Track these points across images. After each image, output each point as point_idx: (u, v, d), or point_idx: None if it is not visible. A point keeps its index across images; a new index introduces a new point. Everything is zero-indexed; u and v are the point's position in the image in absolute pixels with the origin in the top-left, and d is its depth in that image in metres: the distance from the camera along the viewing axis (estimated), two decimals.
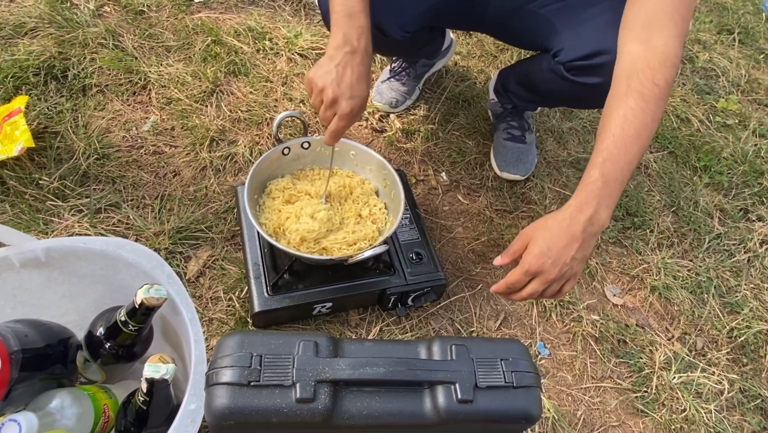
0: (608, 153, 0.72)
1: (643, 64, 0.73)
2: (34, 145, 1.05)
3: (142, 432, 0.65)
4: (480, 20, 1.10)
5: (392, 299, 1.01)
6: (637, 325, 1.15)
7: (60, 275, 0.71)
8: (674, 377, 1.07)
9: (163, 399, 0.63)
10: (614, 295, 1.18)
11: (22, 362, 0.60)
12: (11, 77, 1.20)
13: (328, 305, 0.98)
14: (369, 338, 1.01)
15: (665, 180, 1.44)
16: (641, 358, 1.09)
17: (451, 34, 1.47)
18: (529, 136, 1.30)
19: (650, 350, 1.11)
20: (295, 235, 0.92)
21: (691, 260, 1.28)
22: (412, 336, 1.03)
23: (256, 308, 0.92)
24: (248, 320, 0.97)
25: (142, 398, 0.62)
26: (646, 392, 1.05)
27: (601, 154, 0.72)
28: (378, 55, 1.50)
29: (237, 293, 1.00)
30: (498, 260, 0.79)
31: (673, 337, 1.15)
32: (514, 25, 1.06)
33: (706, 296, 1.21)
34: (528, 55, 1.21)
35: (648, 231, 1.31)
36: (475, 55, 1.59)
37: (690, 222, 1.35)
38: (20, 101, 1.12)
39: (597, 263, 1.22)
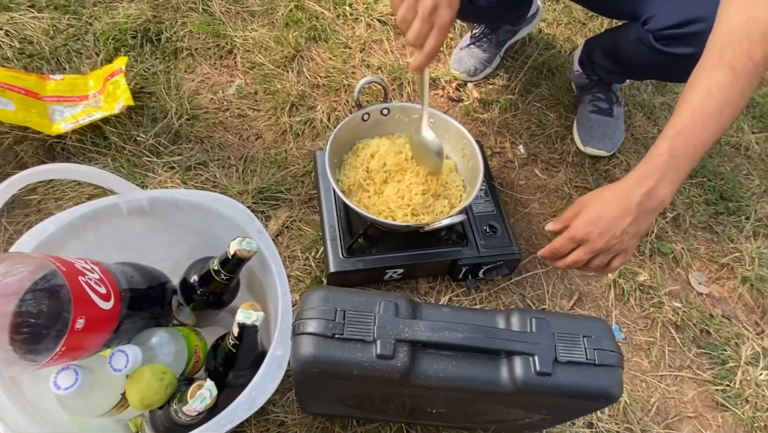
0: (682, 126, 0.67)
1: (741, 35, 0.66)
2: (133, 104, 1.13)
3: (229, 373, 0.70)
4: None
5: (463, 270, 1.01)
6: (723, 316, 1.08)
7: (160, 224, 0.77)
8: (761, 374, 1.00)
9: (251, 344, 0.67)
10: (700, 283, 1.11)
11: (129, 301, 0.66)
12: (112, 39, 1.28)
13: (400, 271, 0.99)
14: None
15: (767, 163, 1.32)
16: (725, 350, 1.03)
17: (538, 2, 1.40)
18: (617, 110, 1.23)
19: (736, 343, 1.04)
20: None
21: None
22: (481, 309, 1.02)
23: (331, 269, 0.95)
24: (323, 279, 1.00)
25: (232, 342, 0.66)
26: (728, 386, 0.99)
27: (674, 127, 0.68)
28: (458, 21, 1.46)
29: (313, 253, 1.03)
30: (550, 226, 0.78)
31: (763, 332, 1.07)
32: None
33: None
34: (617, 25, 1.13)
35: (743, 218, 1.21)
36: (561, 23, 1.51)
37: None
38: (121, 62, 1.19)
39: (683, 249, 1.15)
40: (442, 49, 1.42)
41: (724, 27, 0.69)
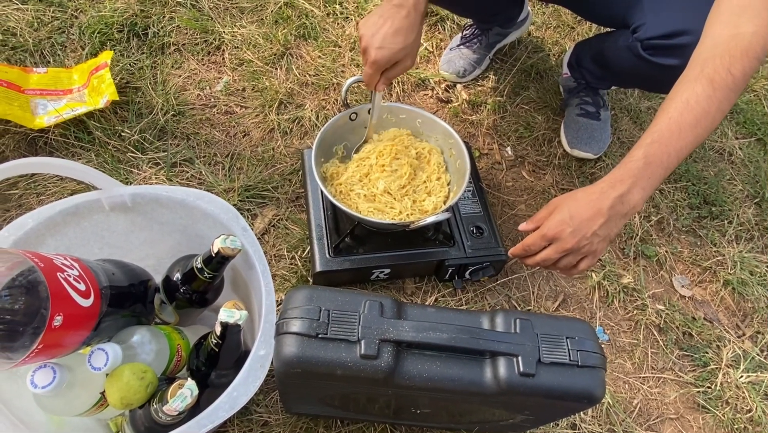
0: (659, 135, 0.68)
1: (723, 50, 0.68)
2: (118, 99, 1.11)
3: (212, 372, 0.69)
4: None
5: (450, 271, 1.01)
6: (705, 319, 1.09)
7: (143, 221, 0.76)
8: (741, 376, 1.02)
9: (234, 343, 0.66)
10: (683, 286, 1.13)
11: (109, 298, 0.65)
12: (98, 33, 1.26)
13: (387, 270, 0.99)
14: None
15: (750, 169, 1.34)
16: (707, 353, 1.04)
17: (528, 7, 1.41)
18: (603, 113, 1.24)
19: (717, 346, 1.06)
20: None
21: None
22: (466, 309, 1.02)
23: (318, 268, 0.94)
24: (309, 279, 0.99)
25: (215, 341, 0.65)
26: (709, 388, 1.00)
27: (651, 135, 0.69)
28: (449, 22, 1.46)
29: (299, 253, 1.02)
30: (523, 226, 0.78)
31: (743, 334, 1.09)
32: None
33: None
34: (607, 30, 1.15)
35: (726, 222, 1.23)
36: (550, 26, 1.52)
37: None
38: (106, 56, 1.17)
39: (667, 252, 1.16)
40: (431, 50, 1.42)
41: (709, 41, 0.70)
